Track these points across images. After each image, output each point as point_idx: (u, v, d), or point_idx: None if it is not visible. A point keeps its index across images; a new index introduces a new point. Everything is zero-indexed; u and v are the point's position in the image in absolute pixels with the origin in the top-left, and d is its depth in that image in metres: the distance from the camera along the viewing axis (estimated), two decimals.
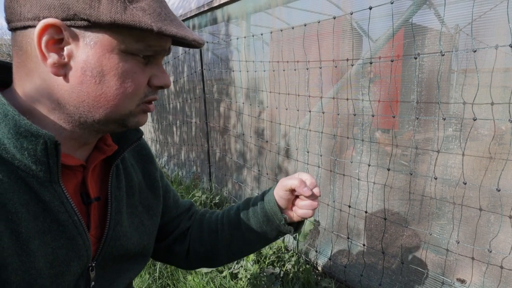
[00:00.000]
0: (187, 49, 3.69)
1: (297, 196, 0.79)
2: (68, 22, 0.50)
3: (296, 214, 0.79)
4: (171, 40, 0.59)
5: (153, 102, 0.63)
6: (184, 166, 4.24)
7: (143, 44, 0.53)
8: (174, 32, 0.53)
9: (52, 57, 0.51)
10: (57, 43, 0.51)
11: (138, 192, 0.76)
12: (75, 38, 0.51)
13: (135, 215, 0.73)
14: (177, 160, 4.44)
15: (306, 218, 0.79)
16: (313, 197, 0.76)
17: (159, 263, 2.30)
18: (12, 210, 0.48)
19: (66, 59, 0.51)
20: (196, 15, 3.38)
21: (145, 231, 0.75)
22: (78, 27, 0.50)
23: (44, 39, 0.50)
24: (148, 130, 5.26)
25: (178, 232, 0.89)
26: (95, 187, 0.65)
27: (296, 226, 0.83)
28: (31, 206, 0.51)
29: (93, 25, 0.50)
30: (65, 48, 0.51)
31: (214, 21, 3.19)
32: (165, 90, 4.51)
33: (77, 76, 0.52)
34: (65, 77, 0.52)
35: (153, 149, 5.16)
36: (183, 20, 3.63)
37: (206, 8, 3.11)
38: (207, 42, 3.26)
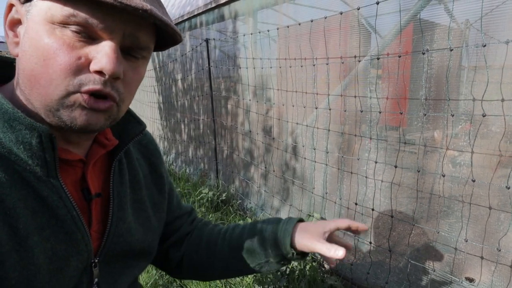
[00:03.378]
0: (194, 46, 3.69)
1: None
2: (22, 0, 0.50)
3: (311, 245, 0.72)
4: (123, 18, 0.49)
5: (112, 97, 0.52)
6: (192, 163, 4.26)
7: (68, 9, 0.46)
8: None
9: (9, 36, 0.52)
10: (18, 23, 0.52)
11: (145, 186, 0.74)
12: (24, 14, 0.50)
13: (142, 210, 0.72)
14: (184, 157, 4.45)
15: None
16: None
17: None
18: (10, 205, 0.47)
19: (18, 37, 0.51)
20: (203, 12, 3.38)
21: (150, 227, 0.74)
22: (25, 1, 0.49)
23: (8, 18, 0.51)
24: (156, 128, 5.29)
25: (177, 236, 0.87)
26: (96, 183, 0.63)
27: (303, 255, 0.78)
28: (29, 202, 0.50)
29: None
30: (20, 27, 0.51)
31: (221, 18, 3.19)
32: (173, 88, 4.52)
33: (20, 54, 0.50)
34: (18, 56, 0.51)
35: (161, 146, 5.19)
36: (190, 18, 3.63)
37: (213, 5, 3.10)
38: (213, 39, 3.25)
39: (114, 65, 0.49)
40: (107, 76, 0.49)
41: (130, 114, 0.69)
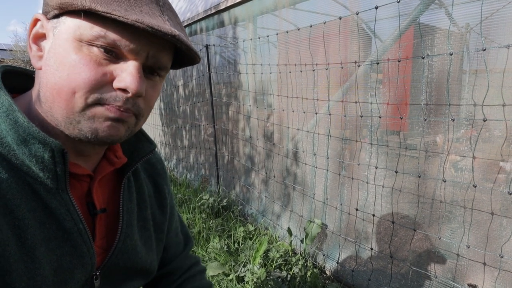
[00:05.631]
0: None
1: None
2: (48, 15, 0.51)
3: None
4: (148, 40, 0.51)
5: (122, 109, 0.52)
6: (193, 169, 4.25)
7: (97, 30, 0.48)
8: (109, 9, 0.45)
9: (33, 49, 0.53)
10: (42, 38, 0.53)
11: (150, 206, 0.75)
12: (50, 29, 0.51)
13: (145, 229, 0.72)
14: (185, 163, 4.45)
15: None
16: None
17: None
18: (19, 216, 0.48)
19: (42, 51, 0.52)
20: (203, 19, 3.40)
21: (151, 247, 0.74)
22: (53, 18, 0.51)
23: (32, 32, 0.52)
24: (157, 134, 5.30)
25: (166, 270, 0.87)
26: (102, 198, 0.64)
27: None
28: (37, 213, 0.51)
29: (60, 14, 0.50)
30: (44, 41, 0.53)
31: (221, 24, 3.20)
32: (174, 94, 4.53)
33: (44, 67, 0.51)
34: (41, 70, 0.52)
35: (162, 152, 5.19)
36: (190, 24, 3.65)
37: (213, 11, 3.12)
38: (213, 45, 3.26)
39: (138, 85, 0.51)
40: (130, 94, 0.51)
41: (142, 133, 0.70)
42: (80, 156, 0.59)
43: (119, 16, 0.45)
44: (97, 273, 0.61)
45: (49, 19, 0.51)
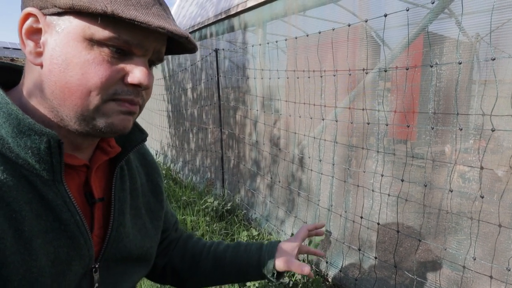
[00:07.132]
0: (204, 56, 3.72)
1: None
2: (45, 11, 0.50)
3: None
4: (155, 37, 0.54)
5: (134, 101, 0.56)
6: (199, 172, 4.26)
7: (110, 32, 0.49)
8: (132, 15, 0.48)
9: (29, 45, 0.52)
10: (37, 33, 0.52)
11: (142, 194, 0.76)
12: (50, 26, 0.51)
13: (138, 217, 0.73)
14: (191, 165, 4.46)
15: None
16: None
17: None
18: (16, 208, 0.49)
19: (41, 48, 0.51)
20: (213, 23, 3.42)
21: (147, 234, 0.75)
22: (52, 14, 0.50)
23: (24, 27, 0.51)
24: (164, 136, 5.32)
25: (164, 244, 0.91)
26: (99, 188, 0.65)
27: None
28: (34, 205, 0.51)
29: (64, 12, 0.49)
30: (42, 37, 0.52)
31: (231, 29, 3.22)
32: (182, 97, 4.56)
33: (47, 65, 0.51)
34: (42, 66, 0.52)
35: (169, 154, 5.21)
36: (201, 28, 3.67)
37: (223, 16, 3.14)
38: (223, 49, 3.28)
39: (150, 80, 0.55)
40: (142, 88, 0.55)
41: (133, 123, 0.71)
42: (76, 149, 0.59)
43: (142, 23, 0.48)
44: (96, 266, 0.62)
45: (46, 14, 0.51)
